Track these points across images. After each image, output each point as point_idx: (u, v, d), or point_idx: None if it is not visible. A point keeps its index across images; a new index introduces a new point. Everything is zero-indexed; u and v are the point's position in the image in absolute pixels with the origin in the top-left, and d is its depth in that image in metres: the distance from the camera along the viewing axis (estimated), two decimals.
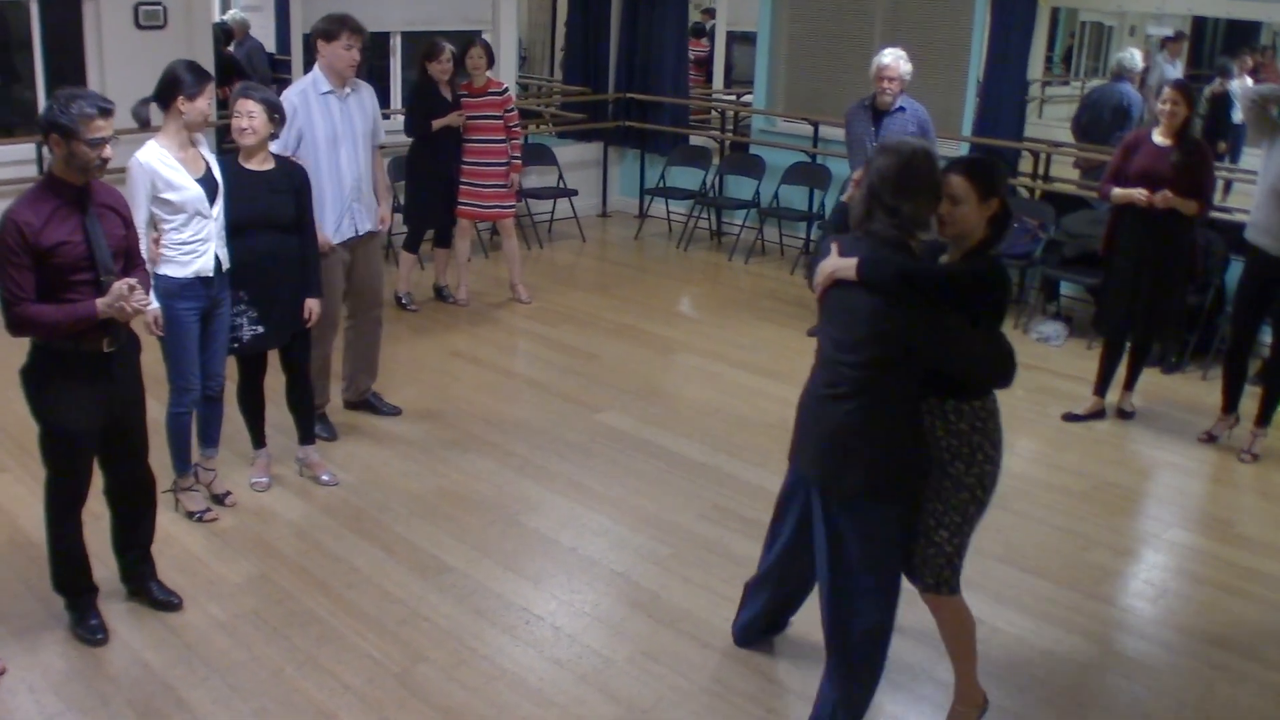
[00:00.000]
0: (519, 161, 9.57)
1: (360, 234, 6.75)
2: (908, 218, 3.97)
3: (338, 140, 6.57)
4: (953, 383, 4.13)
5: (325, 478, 6.36)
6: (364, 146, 6.73)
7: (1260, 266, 7.05)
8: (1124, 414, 7.76)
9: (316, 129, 6.51)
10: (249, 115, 5.67)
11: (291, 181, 5.87)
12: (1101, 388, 7.80)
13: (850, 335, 4.03)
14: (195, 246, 5.47)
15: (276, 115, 5.78)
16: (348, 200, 6.63)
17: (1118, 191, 7.24)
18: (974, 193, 4.09)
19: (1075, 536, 6.15)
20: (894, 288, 3.91)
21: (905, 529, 4.26)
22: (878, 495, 4.12)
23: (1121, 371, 7.79)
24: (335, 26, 6.51)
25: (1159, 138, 7.19)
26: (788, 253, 11.57)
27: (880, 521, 4.16)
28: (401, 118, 9.88)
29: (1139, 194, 7.11)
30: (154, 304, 5.20)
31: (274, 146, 5.90)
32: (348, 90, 6.62)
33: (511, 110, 9.41)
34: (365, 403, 7.24)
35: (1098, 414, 7.79)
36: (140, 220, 5.26)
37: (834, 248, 4.08)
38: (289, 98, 6.46)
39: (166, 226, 5.41)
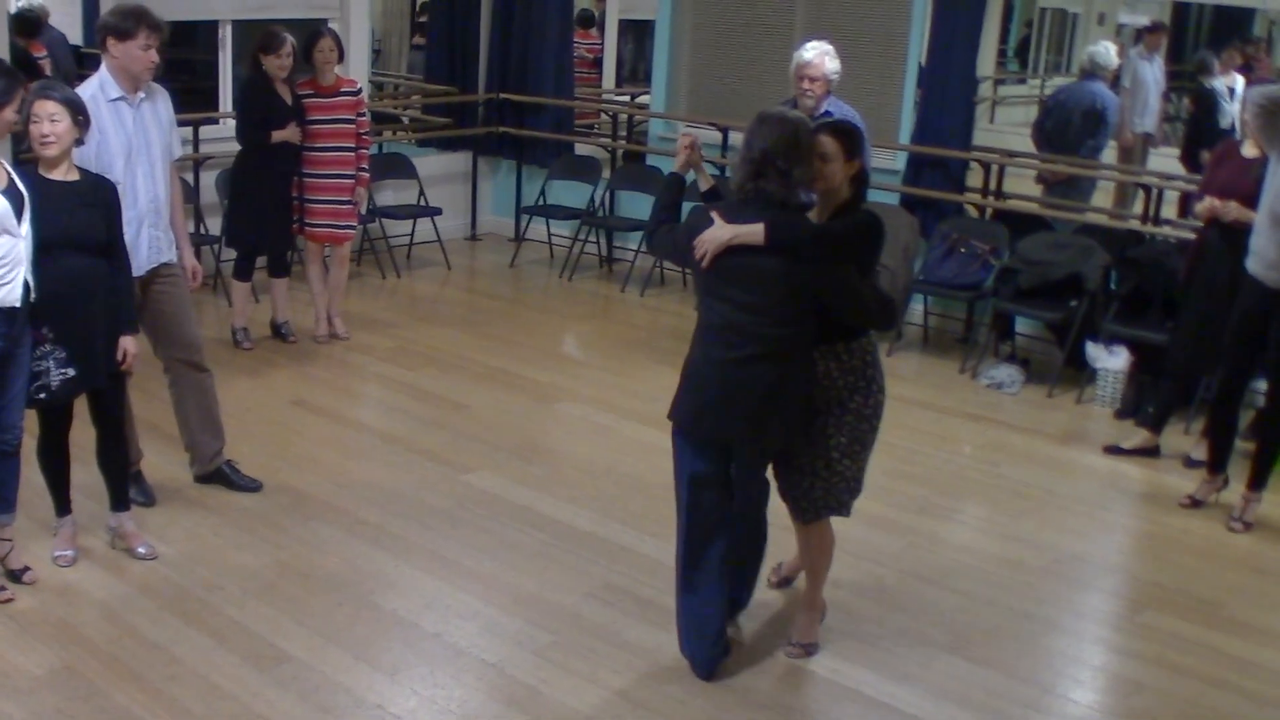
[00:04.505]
0: (366, 174, 9.69)
1: (158, 264, 6.72)
2: (798, 180, 5.13)
3: (133, 155, 6.54)
4: (839, 328, 5.30)
5: (142, 550, 6.35)
6: (162, 162, 6.71)
7: (1258, 301, 7.16)
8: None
9: (110, 141, 6.44)
10: (50, 119, 5.71)
11: (101, 196, 5.92)
12: (1158, 424, 8.17)
13: (763, 298, 5.12)
14: (2, 274, 5.51)
15: (81, 118, 5.82)
16: (145, 225, 6.59)
17: (1199, 206, 7.57)
18: (841, 151, 5.27)
19: (1033, 620, 6.24)
20: (808, 248, 5.08)
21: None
22: (791, 440, 5.37)
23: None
24: (131, 23, 6.44)
25: (1248, 149, 7.47)
26: (691, 282, 11.46)
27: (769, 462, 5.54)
28: (232, 122, 9.90)
29: (1205, 204, 7.44)
30: None
31: (75, 158, 5.94)
32: (141, 96, 6.58)
33: (364, 114, 9.53)
34: (219, 473, 7.17)
35: (1149, 451, 8.16)
36: None
37: (716, 217, 5.13)
38: None
39: None
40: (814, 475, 5.45)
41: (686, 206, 5.56)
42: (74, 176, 5.86)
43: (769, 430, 5.26)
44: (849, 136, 5.36)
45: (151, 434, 7.39)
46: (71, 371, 5.85)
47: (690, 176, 5.66)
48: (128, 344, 6.05)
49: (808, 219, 5.29)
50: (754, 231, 5.04)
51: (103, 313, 5.93)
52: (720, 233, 5.09)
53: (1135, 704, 5.61)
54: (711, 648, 5.51)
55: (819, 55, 7.81)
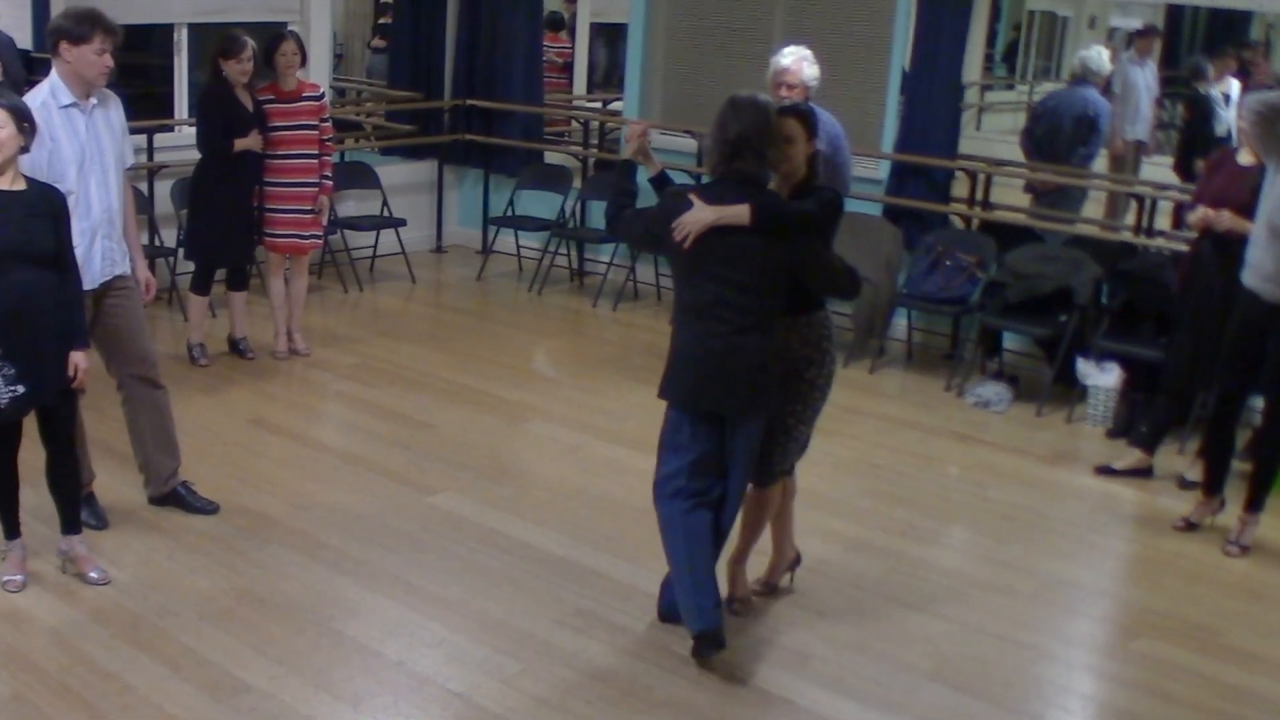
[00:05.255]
0: (329, 182, 9.70)
1: (112, 277, 6.72)
2: (772, 160, 5.62)
3: (86, 163, 6.54)
4: (801, 300, 5.77)
5: (94, 575, 6.34)
6: (115, 171, 6.72)
7: (1255, 315, 7.15)
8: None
9: (62, 150, 6.45)
10: None
11: (50, 206, 5.93)
12: (1152, 443, 8.19)
13: (748, 275, 5.52)
14: None
15: (26, 124, 5.83)
16: (99, 236, 6.60)
17: (1191, 216, 7.64)
18: (803, 132, 5.81)
19: (1021, 648, 6.23)
20: (792, 228, 5.56)
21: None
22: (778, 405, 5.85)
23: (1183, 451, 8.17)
24: (85, 27, 6.44)
25: (1244, 157, 7.52)
26: (666, 296, 11.53)
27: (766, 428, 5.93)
28: (188, 129, 9.89)
29: (1198, 214, 7.50)
30: None
31: (24, 167, 5.95)
32: (93, 102, 6.59)
33: (326, 120, 9.56)
34: (174, 495, 7.16)
35: (1142, 471, 8.19)
36: None
37: (695, 199, 5.55)
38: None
39: None
40: (773, 441, 5.93)
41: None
42: (20, 186, 5.86)
43: (764, 396, 5.66)
44: (807, 118, 5.90)
45: (104, 454, 7.38)
46: (21, 388, 5.86)
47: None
48: (78, 359, 6.03)
49: (783, 199, 5.72)
50: (738, 213, 5.44)
51: (53, 327, 5.93)
52: (703, 214, 5.48)
53: None
54: (714, 612, 5.76)
55: (797, 61, 7.57)
